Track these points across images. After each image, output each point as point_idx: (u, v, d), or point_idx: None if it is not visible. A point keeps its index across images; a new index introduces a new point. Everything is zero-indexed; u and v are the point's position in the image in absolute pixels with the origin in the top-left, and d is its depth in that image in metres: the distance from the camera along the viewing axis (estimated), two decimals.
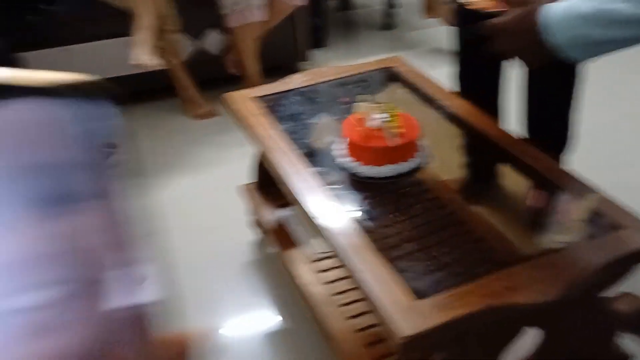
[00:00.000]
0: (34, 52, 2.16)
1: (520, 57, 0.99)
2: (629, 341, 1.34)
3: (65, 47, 2.26)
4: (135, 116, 2.53)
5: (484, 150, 1.32)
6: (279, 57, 2.66)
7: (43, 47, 2.23)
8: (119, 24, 2.20)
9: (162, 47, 2.26)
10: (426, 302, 0.89)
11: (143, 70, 2.13)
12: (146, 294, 0.16)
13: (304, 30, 2.65)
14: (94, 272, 0.15)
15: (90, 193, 0.15)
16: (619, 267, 0.98)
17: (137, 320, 0.15)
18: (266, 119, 1.43)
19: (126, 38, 2.20)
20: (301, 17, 2.59)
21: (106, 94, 0.17)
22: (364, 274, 0.95)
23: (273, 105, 1.52)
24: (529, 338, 1.10)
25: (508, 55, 1.02)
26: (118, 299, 0.15)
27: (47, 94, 0.16)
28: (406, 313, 0.87)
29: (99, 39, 2.32)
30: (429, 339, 0.86)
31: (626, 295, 1.45)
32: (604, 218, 1.04)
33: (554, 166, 1.19)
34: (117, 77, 2.38)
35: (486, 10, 1.25)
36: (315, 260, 1.45)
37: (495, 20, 0.97)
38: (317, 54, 2.83)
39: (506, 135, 1.29)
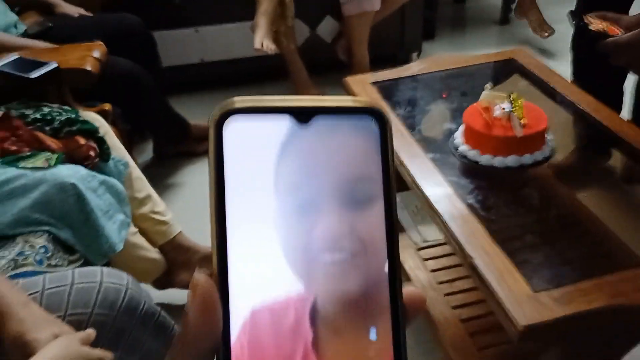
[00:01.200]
0: (164, 32, 2.31)
1: None
2: None
3: (194, 27, 2.40)
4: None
5: (610, 148, 1.26)
6: (388, 47, 2.67)
7: (174, 27, 2.38)
8: (244, 9, 2.31)
9: (279, 32, 2.33)
10: (547, 294, 0.88)
11: (262, 54, 2.21)
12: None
13: (414, 20, 2.64)
14: (375, 248, 0.27)
15: (379, 195, 0.26)
16: None
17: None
18: (384, 103, 1.45)
19: (250, 22, 2.30)
20: (412, 8, 2.58)
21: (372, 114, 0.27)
22: (478, 261, 0.95)
23: (391, 90, 1.53)
24: None
25: (632, 69, 1.00)
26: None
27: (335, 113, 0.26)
28: (525, 303, 0.86)
29: (226, 22, 2.43)
30: (547, 332, 0.85)
31: None
32: None
33: None
34: (238, 59, 2.50)
35: (607, 33, 1.20)
36: (420, 248, 1.46)
37: (620, 37, 0.97)
38: (425, 46, 2.80)
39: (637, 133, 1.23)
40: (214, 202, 0.26)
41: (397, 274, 0.27)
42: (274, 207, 0.26)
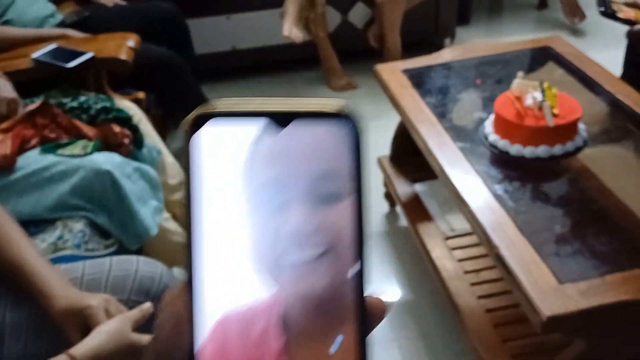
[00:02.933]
0: (196, 19, 2.34)
1: None
2: None
3: (226, 15, 2.43)
4: (280, 84, 2.66)
5: None
6: (421, 33, 2.64)
7: (206, 14, 2.41)
8: None
9: (310, 19, 2.34)
10: (573, 286, 0.87)
11: (290, 42, 2.22)
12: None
13: (449, 5, 2.60)
14: (343, 247, 0.26)
15: (348, 193, 0.26)
16: None
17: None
18: (415, 91, 1.45)
19: (279, 9, 2.31)
20: None
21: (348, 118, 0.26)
22: (505, 252, 0.95)
23: (422, 78, 1.53)
24: None
25: None
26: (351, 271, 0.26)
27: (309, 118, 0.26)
28: (550, 294, 0.86)
29: (257, 9, 2.45)
30: (571, 323, 0.85)
31: None
32: None
33: None
34: (269, 46, 2.52)
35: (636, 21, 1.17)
36: (448, 238, 1.46)
37: None
38: (459, 31, 2.76)
39: None
40: (186, 209, 0.26)
41: (364, 276, 0.26)
42: (245, 210, 0.26)
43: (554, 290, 0.86)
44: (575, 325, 0.86)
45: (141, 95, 1.61)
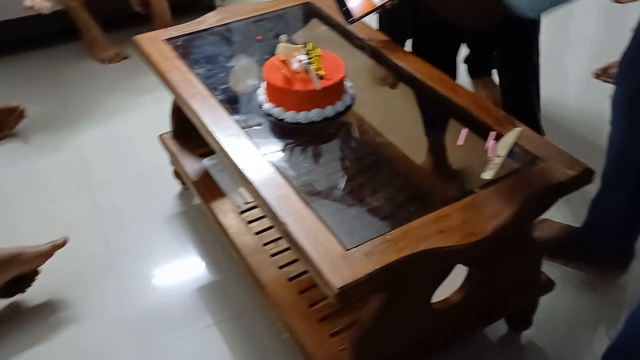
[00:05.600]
0: None
1: (464, 15, 0.89)
2: (551, 268, 1.41)
3: None
4: (37, 61, 2.32)
5: (410, 89, 1.30)
6: None
7: None
8: None
9: None
10: (357, 251, 0.88)
11: (36, 13, 1.92)
12: None
13: None
14: None
15: None
16: (544, 200, 1.00)
17: None
18: (181, 63, 1.33)
19: None
20: None
21: None
22: (292, 227, 0.92)
23: (187, 47, 1.41)
24: (459, 273, 1.12)
25: (448, 14, 0.88)
26: None
27: None
28: (337, 264, 0.85)
29: None
30: (363, 287, 0.85)
31: (543, 221, 1.52)
32: (528, 152, 1.05)
33: (485, 105, 1.18)
34: (8, 21, 2.15)
35: None
36: (243, 211, 1.41)
37: None
38: None
39: (432, 72, 1.27)
40: None
41: None
42: None
43: (340, 260, 0.86)
44: (367, 287, 0.87)
45: None
